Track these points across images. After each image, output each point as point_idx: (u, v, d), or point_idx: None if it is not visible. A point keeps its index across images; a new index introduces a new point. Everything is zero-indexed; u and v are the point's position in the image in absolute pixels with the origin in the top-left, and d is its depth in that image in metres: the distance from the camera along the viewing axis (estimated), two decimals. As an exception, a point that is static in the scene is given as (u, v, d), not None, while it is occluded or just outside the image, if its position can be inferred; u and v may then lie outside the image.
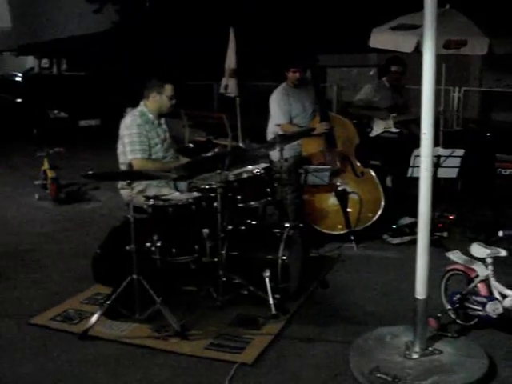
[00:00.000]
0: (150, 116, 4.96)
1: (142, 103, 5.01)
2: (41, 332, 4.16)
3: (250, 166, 4.76)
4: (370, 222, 6.00)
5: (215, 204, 4.32)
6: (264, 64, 14.55)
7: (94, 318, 4.07)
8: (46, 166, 8.30)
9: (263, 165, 4.79)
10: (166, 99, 4.94)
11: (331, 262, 5.46)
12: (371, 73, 17.04)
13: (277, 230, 4.58)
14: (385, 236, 6.05)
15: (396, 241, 5.97)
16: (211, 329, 4.10)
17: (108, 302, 4.10)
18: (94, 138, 13.48)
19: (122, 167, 4.90)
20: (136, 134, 4.80)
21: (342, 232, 5.95)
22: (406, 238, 5.96)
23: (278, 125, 6.12)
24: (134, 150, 4.79)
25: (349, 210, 5.96)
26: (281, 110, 6.12)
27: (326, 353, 3.83)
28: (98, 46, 20.48)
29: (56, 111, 13.53)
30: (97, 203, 8.07)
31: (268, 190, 4.60)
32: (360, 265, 5.43)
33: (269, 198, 4.62)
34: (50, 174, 8.11)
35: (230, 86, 10.59)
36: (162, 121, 5.08)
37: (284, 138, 4.99)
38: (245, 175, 4.60)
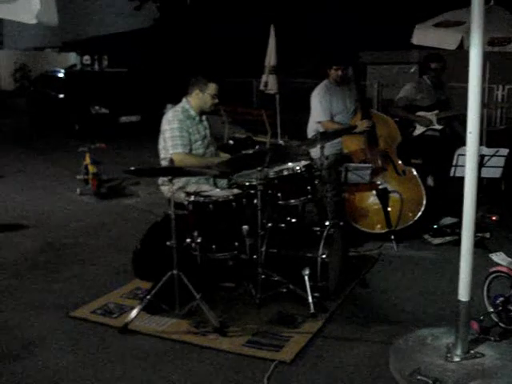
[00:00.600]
0: (192, 112, 4.97)
1: (184, 99, 5.03)
2: (81, 325, 4.21)
3: (290, 164, 4.74)
4: (411, 222, 5.92)
5: (255, 201, 4.31)
6: (304, 61, 14.49)
7: (134, 313, 4.11)
8: (87, 160, 8.41)
9: (304, 162, 4.76)
10: (209, 97, 4.94)
11: (371, 261, 5.39)
12: (412, 70, 16.78)
13: (317, 229, 4.55)
14: (426, 236, 5.97)
15: (437, 241, 5.88)
16: (250, 326, 4.09)
17: (148, 297, 4.13)
18: (134, 133, 13.64)
19: (163, 163, 4.92)
20: (177, 129, 4.82)
21: (382, 231, 5.88)
22: (448, 239, 5.87)
23: (319, 122, 6.10)
24: (175, 145, 4.81)
25: (389, 209, 5.88)
26: (322, 107, 6.09)
27: (365, 353, 3.78)
28: (138, 42, 20.69)
29: (97, 107, 13.69)
30: (137, 198, 8.16)
31: (308, 187, 4.57)
32: (400, 265, 5.36)
33: (309, 196, 4.59)
34: (92, 169, 8.22)
35: (269, 82, 10.60)
36: (204, 118, 5.09)
37: (325, 136, 4.94)
38: (285, 172, 4.57)
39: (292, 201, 4.59)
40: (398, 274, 5.16)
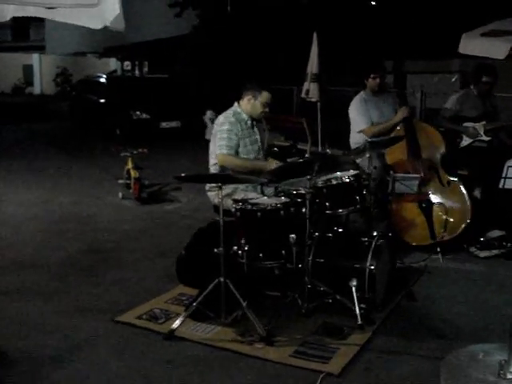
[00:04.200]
0: (244, 116, 4.97)
1: (235, 104, 5.03)
2: (126, 330, 4.21)
3: (339, 173, 4.69)
4: (456, 234, 5.79)
5: (303, 210, 4.27)
6: (346, 69, 14.42)
7: (180, 319, 4.09)
8: (129, 165, 8.48)
9: (352, 171, 4.70)
10: (259, 105, 4.92)
11: (417, 273, 5.29)
12: (453, 79, 16.59)
13: (365, 239, 4.48)
14: (472, 249, 5.84)
15: (484, 254, 5.75)
16: (296, 336, 4.04)
17: (195, 304, 4.12)
18: (174, 139, 13.75)
19: (212, 168, 4.92)
20: (226, 131, 4.81)
21: (426, 243, 5.78)
22: (495, 252, 5.75)
23: (361, 131, 6.06)
24: (220, 146, 4.80)
25: (434, 220, 5.77)
26: (360, 115, 6.14)
27: (415, 368, 3.70)
28: (178, 49, 20.83)
29: (138, 112, 13.83)
30: (178, 204, 8.19)
31: (357, 197, 4.51)
32: (447, 277, 5.26)
33: (357, 206, 4.53)
34: (134, 173, 8.28)
35: (311, 90, 10.53)
36: (255, 123, 5.08)
37: (373, 145, 4.89)
38: (334, 182, 4.52)
39: (340, 210, 4.54)
40: (446, 286, 5.05)
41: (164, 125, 14.10)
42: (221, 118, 4.95)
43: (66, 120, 18.16)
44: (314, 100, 10.64)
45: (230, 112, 4.98)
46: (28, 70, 32.31)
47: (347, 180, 4.52)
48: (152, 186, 8.83)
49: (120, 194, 8.41)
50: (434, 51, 14.79)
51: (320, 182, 4.52)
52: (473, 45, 7.36)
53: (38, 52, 32.27)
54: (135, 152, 8.61)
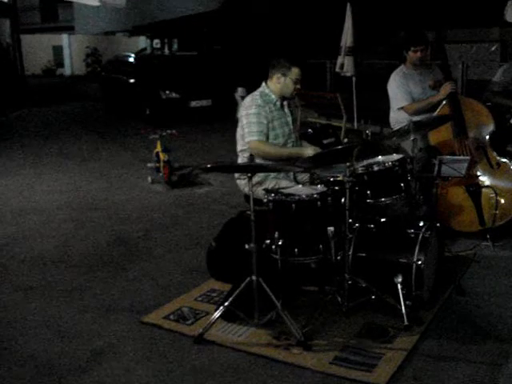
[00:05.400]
0: (273, 97, 4.58)
1: (263, 84, 4.64)
2: (154, 332, 3.92)
3: (380, 157, 4.27)
4: (508, 219, 5.35)
5: (342, 200, 3.88)
6: (383, 41, 13.88)
7: (210, 322, 3.77)
8: (158, 148, 8.20)
9: (396, 156, 4.28)
10: (291, 82, 4.51)
11: (466, 263, 4.87)
12: (493, 49, 15.94)
13: (411, 230, 4.08)
14: (525, 235, 5.41)
15: (539, 241, 5.31)
16: (336, 339, 3.69)
17: (226, 304, 3.79)
18: (205, 118, 13.44)
19: (240, 155, 4.57)
20: (254, 115, 4.44)
21: (475, 230, 5.35)
22: (550, 239, 5.31)
23: (401, 108, 5.63)
24: (251, 132, 4.44)
25: (483, 205, 5.34)
26: (400, 91, 5.66)
27: (470, 376, 3.32)
28: (208, 25, 20.43)
29: (168, 91, 13.53)
30: (209, 187, 7.90)
31: (401, 184, 4.08)
32: (499, 267, 4.82)
33: (402, 194, 4.10)
34: (163, 156, 8.00)
35: (345, 64, 10.12)
36: (285, 103, 4.69)
37: (418, 125, 4.43)
38: (375, 168, 4.10)
39: (382, 199, 4.12)
40: (498, 278, 4.62)
41: (194, 104, 13.75)
42: (247, 99, 4.58)
43: (96, 101, 18.00)
44: (348, 74, 10.23)
45: (256, 93, 4.59)
46: (58, 51, 32.26)
47: (391, 165, 4.10)
48: (182, 169, 8.53)
49: (149, 179, 8.15)
50: (471, 19, 14.14)
51: (360, 168, 4.10)
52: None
53: (68, 32, 32.17)
54: (164, 134, 8.33)
